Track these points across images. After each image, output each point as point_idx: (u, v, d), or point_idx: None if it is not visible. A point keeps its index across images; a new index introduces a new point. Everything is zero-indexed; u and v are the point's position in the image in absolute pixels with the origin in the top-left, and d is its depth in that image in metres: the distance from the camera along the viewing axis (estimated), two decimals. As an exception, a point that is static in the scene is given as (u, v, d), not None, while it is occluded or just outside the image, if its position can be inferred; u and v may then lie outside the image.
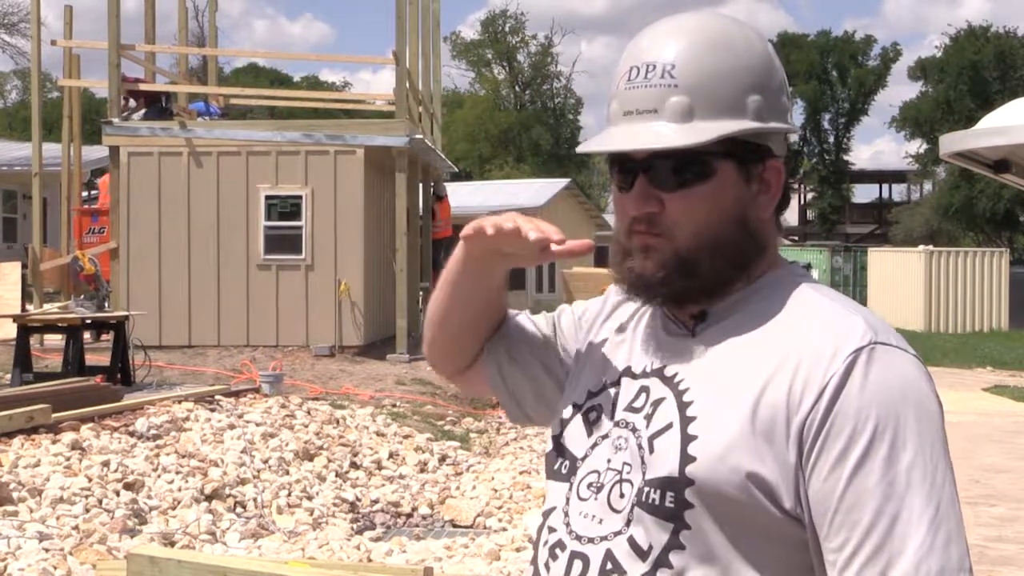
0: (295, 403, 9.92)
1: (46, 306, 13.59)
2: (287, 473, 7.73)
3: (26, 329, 11.20)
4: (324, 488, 7.67)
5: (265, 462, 7.80)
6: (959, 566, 1.20)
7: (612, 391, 1.43)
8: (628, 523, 1.31)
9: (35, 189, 15.73)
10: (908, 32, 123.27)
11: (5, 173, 24.21)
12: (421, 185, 17.68)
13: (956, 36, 50.67)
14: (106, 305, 12.24)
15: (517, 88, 61.84)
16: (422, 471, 8.60)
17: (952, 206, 43.87)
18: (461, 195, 26.20)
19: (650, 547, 1.29)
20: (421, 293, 16.20)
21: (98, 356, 12.15)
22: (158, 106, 15.53)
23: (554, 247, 1.39)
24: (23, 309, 14.05)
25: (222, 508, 6.82)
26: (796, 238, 50.51)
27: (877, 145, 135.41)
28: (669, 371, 1.37)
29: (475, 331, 1.60)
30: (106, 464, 7.05)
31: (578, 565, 1.33)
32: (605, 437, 1.39)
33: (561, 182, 31.08)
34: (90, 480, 6.75)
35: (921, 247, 29.26)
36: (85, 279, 12.21)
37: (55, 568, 5.25)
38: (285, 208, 14.74)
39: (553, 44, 62.10)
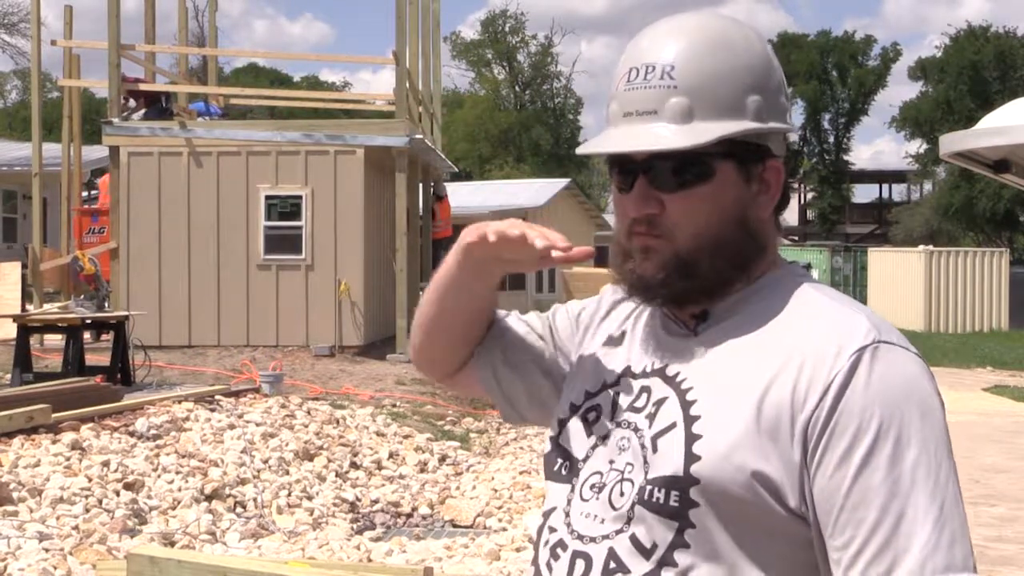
0: (295, 403, 9.92)
1: (46, 306, 13.59)
2: (287, 473, 7.73)
3: (26, 329, 11.20)
4: (324, 488, 7.67)
5: (265, 462, 7.80)
6: (964, 565, 1.20)
7: (612, 391, 1.43)
8: (629, 521, 1.31)
9: (35, 189, 15.74)
10: (908, 32, 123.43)
11: (5, 173, 24.21)
12: (421, 185, 17.68)
13: (956, 36, 50.68)
14: (106, 305, 12.24)
15: (517, 88, 61.84)
16: (422, 471, 8.60)
17: (952, 206, 43.87)
18: (461, 195, 26.21)
19: (653, 545, 1.29)
20: (421, 293, 16.15)
21: (98, 356, 12.16)
22: (158, 106, 15.53)
23: (555, 253, 1.39)
24: (23, 309, 14.05)
25: (222, 508, 6.82)
26: (796, 238, 50.51)
27: (877, 145, 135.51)
28: (671, 371, 1.37)
29: (467, 335, 1.59)
30: (106, 464, 7.05)
31: (580, 564, 1.33)
32: (606, 438, 1.39)
33: (561, 182, 31.08)
34: (90, 480, 6.75)
35: (921, 247, 29.26)
36: (85, 279, 12.21)
37: (55, 568, 5.25)
38: (285, 208, 14.75)
39: (553, 44, 62.17)
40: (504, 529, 6.93)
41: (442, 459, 9.02)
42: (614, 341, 1.49)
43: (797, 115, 57.31)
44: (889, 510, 1.21)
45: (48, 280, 16.17)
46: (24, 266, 15.93)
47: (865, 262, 31.19)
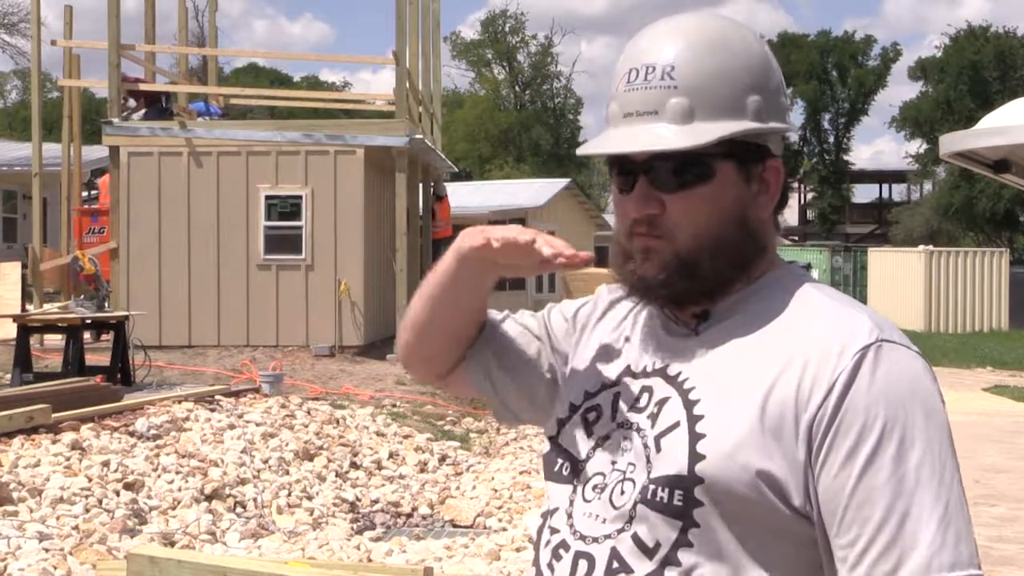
0: (295, 403, 9.92)
1: (46, 306, 13.59)
2: (287, 473, 7.73)
3: (26, 329, 11.20)
4: (324, 488, 7.67)
5: (265, 462, 7.80)
6: (969, 562, 1.21)
7: (612, 391, 1.43)
8: (631, 520, 1.31)
9: (35, 189, 15.73)
10: (908, 32, 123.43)
11: (5, 173, 24.21)
12: (421, 185, 17.68)
13: (956, 36, 50.67)
14: (106, 305, 12.24)
15: (517, 88, 61.85)
16: (422, 471, 8.60)
17: (952, 206, 43.87)
18: (461, 195, 26.19)
19: (656, 545, 1.29)
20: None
21: (98, 356, 12.16)
22: (158, 106, 15.53)
23: (555, 261, 1.39)
24: (23, 309, 14.05)
25: (222, 508, 6.82)
26: (796, 238, 50.50)
27: (877, 145, 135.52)
28: (672, 370, 1.37)
29: (459, 337, 1.59)
30: (106, 464, 7.05)
31: (583, 565, 1.33)
32: (607, 438, 1.39)
33: (561, 182, 31.05)
34: (90, 480, 6.75)
35: (921, 247, 29.26)
36: (85, 279, 12.21)
37: (55, 568, 5.25)
38: (285, 208, 14.75)
39: (553, 44, 62.16)
40: (504, 529, 6.93)
41: (442, 459, 9.02)
42: (612, 341, 1.49)
43: (797, 115, 57.36)
44: (894, 509, 1.21)
45: (48, 280, 16.17)
46: (24, 266, 15.93)
47: (865, 262, 31.19)
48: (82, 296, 12.65)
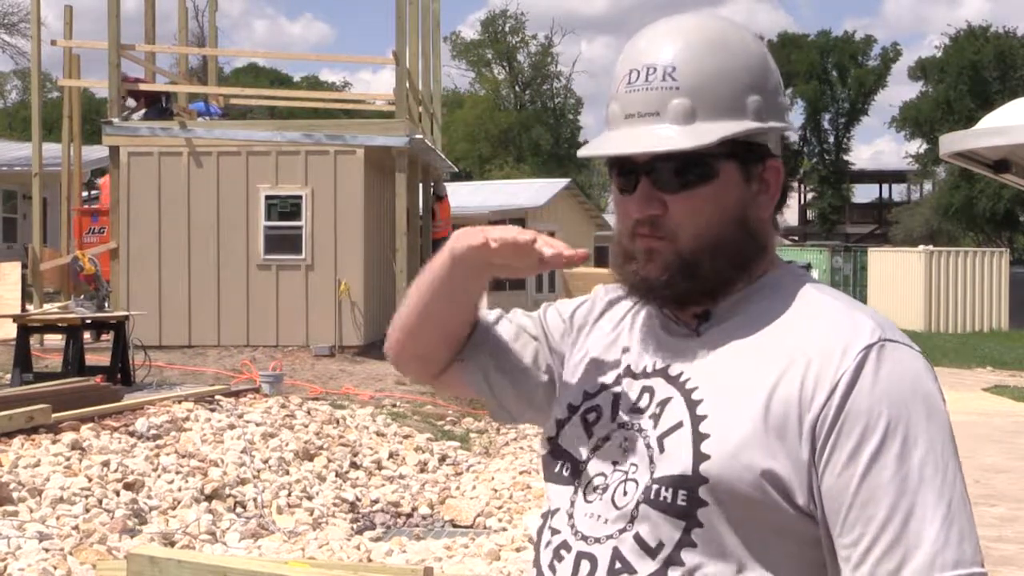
0: (295, 403, 9.92)
1: (46, 306, 13.59)
2: (287, 473, 7.73)
3: (26, 329, 11.20)
4: (324, 488, 7.67)
5: (265, 462, 7.81)
6: (973, 560, 1.21)
7: (611, 392, 1.43)
8: (633, 520, 1.31)
9: (35, 189, 15.73)
10: (908, 32, 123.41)
11: (5, 173, 24.22)
12: (421, 185, 17.68)
13: (956, 36, 50.68)
14: (106, 305, 12.24)
15: (517, 88, 61.85)
16: (422, 471, 8.60)
17: (952, 206, 43.88)
18: (461, 195, 26.20)
19: (659, 545, 1.29)
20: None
21: (98, 356, 12.16)
22: (158, 106, 15.53)
23: (554, 261, 1.40)
24: (23, 309, 14.05)
25: (222, 508, 6.82)
26: (796, 238, 50.51)
27: (877, 145, 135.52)
28: (673, 370, 1.37)
29: (451, 337, 1.58)
30: (106, 464, 7.05)
31: (586, 565, 1.33)
32: (607, 439, 1.39)
33: (561, 182, 31.06)
34: (90, 480, 6.75)
35: (921, 247, 29.27)
36: (85, 279, 12.21)
37: (55, 568, 5.25)
38: (285, 208, 14.75)
39: (553, 44, 62.17)
40: (504, 529, 6.93)
41: (442, 459, 9.02)
42: (611, 342, 1.49)
43: (797, 115, 57.37)
44: (898, 507, 1.22)
45: (48, 280, 16.17)
46: (24, 266, 15.93)
47: (865, 262, 31.20)
48: (82, 296, 12.65)
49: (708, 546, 1.27)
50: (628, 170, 1.36)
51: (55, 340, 12.98)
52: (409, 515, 7.47)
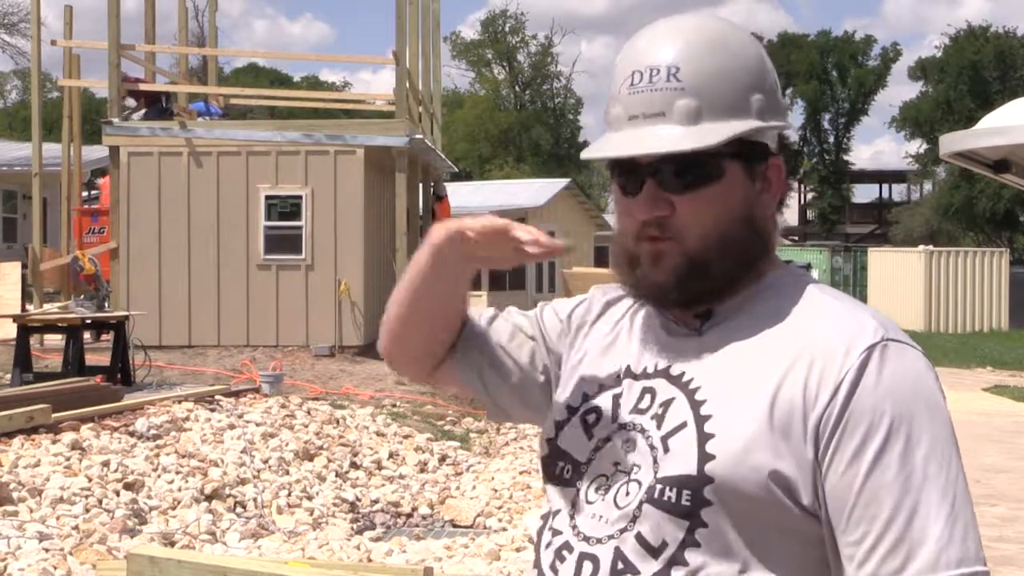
0: (295, 403, 9.92)
1: (46, 306, 13.59)
2: (287, 473, 7.73)
3: (26, 329, 11.20)
4: (324, 488, 7.67)
5: (265, 462, 7.81)
6: (976, 557, 1.22)
7: (611, 393, 1.42)
8: (634, 520, 1.31)
9: (35, 189, 15.74)
10: (908, 32, 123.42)
11: (5, 173, 24.22)
12: (421, 185, 17.69)
13: (956, 36, 50.70)
14: (106, 305, 12.24)
15: (517, 88, 61.86)
16: (422, 471, 8.60)
17: (952, 206, 43.89)
18: (461, 195, 26.20)
19: (662, 544, 1.29)
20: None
21: (98, 356, 12.16)
22: (158, 106, 15.53)
23: (530, 249, 1.40)
24: (23, 309, 14.05)
25: (222, 508, 6.82)
26: (796, 238, 50.51)
27: (877, 145, 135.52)
28: (675, 371, 1.37)
29: (439, 333, 1.58)
30: (106, 464, 7.05)
31: (588, 566, 1.33)
32: (608, 440, 1.39)
33: (561, 182, 31.08)
34: (90, 480, 6.75)
35: (921, 247, 29.29)
36: (85, 279, 12.21)
37: (55, 568, 5.25)
38: (285, 208, 14.75)
39: (553, 44, 62.19)
40: (504, 529, 6.93)
41: (442, 459, 9.02)
42: (610, 343, 1.48)
43: (797, 115, 57.38)
44: (902, 505, 1.22)
45: (48, 280, 16.17)
46: (24, 266, 15.93)
47: (865, 262, 31.21)
48: (82, 296, 12.65)
49: (712, 546, 1.27)
50: (632, 171, 1.36)
51: (55, 340, 12.98)
52: (409, 515, 7.47)
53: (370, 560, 5.92)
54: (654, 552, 1.29)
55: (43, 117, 16.26)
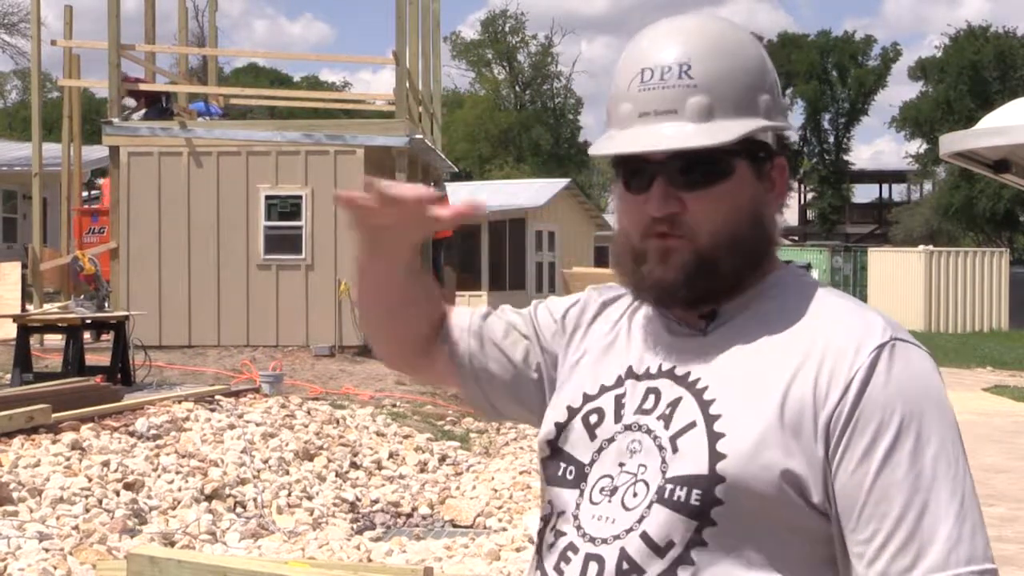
0: (295, 403, 9.93)
1: (46, 306, 13.60)
2: (287, 473, 7.73)
3: (26, 329, 11.20)
4: (324, 488, 7.67)
5: (265, 462, 7.81)
6: (984, 555, 1.23)
7: (614, 394, 1.42)
8: (641, 520, 1.31)
9: (35, 189, 15.74)
10: (908, 32, 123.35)
11: (5, 173, 24.22)
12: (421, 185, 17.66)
13: (956, 36, 50.72)
14: (106, 305, 12.24)
15: (517, 88, 61.86)
16: (422, 471, 8.60)
17: (952, 206, 43.90)
18: (461, 195, 26.19)
19: (669, 544, 1.29)
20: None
21: (98, 356, 12.16)
22: (158, 106, 15.53)
23: (437, 210, 1.37)
24: (23, 309, 14.05)
25: (222, 508, 6.82)
26: (796, 238, 50.51)
27: (877, 145, 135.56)
28: (680, 371, 1.37)
29: (411, 322, 1.56)
30: (106, 464, 7.05)
31: (593, 567, 1.33)
32: (611, 440, 1.38)
33: (561, 182, 31.05)
34: (90, 480, 6.75)
35: (921, 247, 29.30)
36: (85, 279, 12.21)
37: (55, 568, 5.25)
38: (285, 208, 14.76)
39: (553, 44, 62.16)
40: (504, 529, 6.93)
41: (442, 459, 9.02)
42: (609, 343, 1.48)
43: (797, 115, 57.40)
44: (912, 504, 1.23)
45: (48, 280, 16.17)
46: (24, 266, 15.93)
47: (865, 262, 31.22)
48: (82, 296, 12.65)
49: (719, 545, 1.27)
50: (640, 168, 1.36)
51: (55, 340, 12.98)
52: (409, 515, 7.47)
53: (370, 560, 5.92)
54: (660, 551, 1.29)
55: (43, 117, 16.26)
